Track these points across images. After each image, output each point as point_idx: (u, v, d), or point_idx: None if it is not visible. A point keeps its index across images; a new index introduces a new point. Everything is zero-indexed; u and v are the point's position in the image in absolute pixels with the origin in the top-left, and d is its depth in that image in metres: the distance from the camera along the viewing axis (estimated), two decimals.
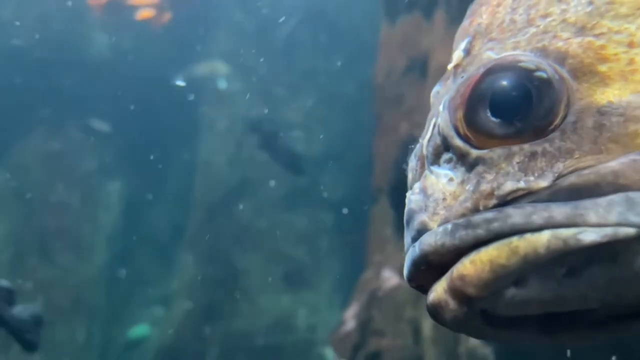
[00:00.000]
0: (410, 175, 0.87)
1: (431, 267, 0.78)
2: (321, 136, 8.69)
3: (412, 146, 0.90)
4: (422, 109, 4.27)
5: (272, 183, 8.44)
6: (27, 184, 8.12)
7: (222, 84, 8.33)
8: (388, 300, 4.11)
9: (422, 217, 0.79)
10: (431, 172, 0.82)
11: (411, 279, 0.81)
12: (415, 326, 3.95)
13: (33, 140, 8.30)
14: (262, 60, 8.51)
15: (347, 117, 8.91)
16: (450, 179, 0.79)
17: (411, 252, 0.80)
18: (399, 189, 3.53)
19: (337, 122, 8.87)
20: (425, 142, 0.84)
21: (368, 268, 4.58)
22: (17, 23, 8.12)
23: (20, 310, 3.18)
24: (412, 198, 0.82)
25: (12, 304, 3.19)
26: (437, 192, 0.79)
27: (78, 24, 8.68)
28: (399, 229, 3.91)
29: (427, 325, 3.86)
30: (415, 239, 0.79)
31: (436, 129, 0.82)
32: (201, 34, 9.12)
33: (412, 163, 0.88)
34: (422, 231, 0.79)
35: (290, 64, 8.85)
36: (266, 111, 8.37)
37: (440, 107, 0.82)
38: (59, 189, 8.10)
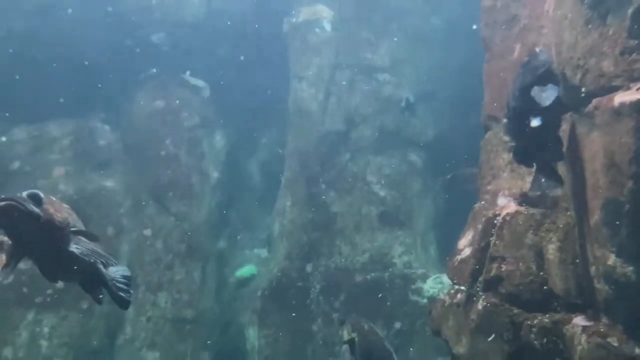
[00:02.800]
0: None
1: None
2: (410, 77, 8.42)
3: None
4: (538, 29, 3.95)
5: (363, 126, 8.35)
6: (139, 140, 8.55)
7: (327, 26, 8.18)
8: (507, 226, 3.98)
9: None
10: None
11: None
12: (537, 251, 3.82)
13: (140, 100, 8.67)
14: (348, 2, 8.27)
15: (435, 55, 8.55)
16: None
17: None
18: (520, 112, 3.33)
19: (425, 61, 8.54)
20: None
21: (481, 197, 4.45)
22: None
23: (114, 272, 3.41)
24: None
25: (107, 266, 3.41)
26: None
27: None
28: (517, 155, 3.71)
29: (552, 248, 3.71)
30: None
31: None
32: None
33: None
34: None
35: (376, 3, 8.51)
36: (355, 56, 8.20)
37: None
38: (168, 143, 8.46)
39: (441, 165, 8.47)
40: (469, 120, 8.23)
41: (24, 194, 3.02)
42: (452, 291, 4.25)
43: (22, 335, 7.17)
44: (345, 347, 5.35)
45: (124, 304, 3.39)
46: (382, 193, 8.29)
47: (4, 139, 7.89)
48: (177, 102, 8.62)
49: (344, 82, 8.45)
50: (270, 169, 9.33)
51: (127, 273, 3.50)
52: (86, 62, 8.03)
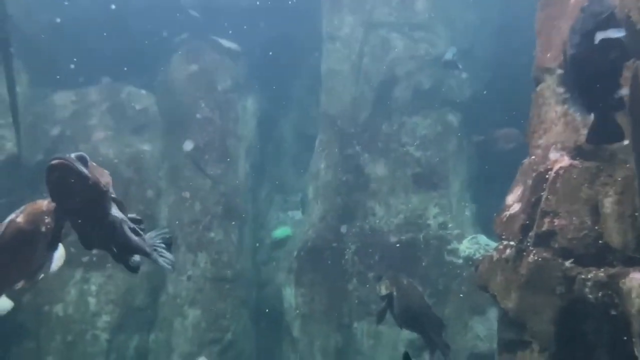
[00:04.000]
0: None
1: None
2: (446, 34, 8.13)
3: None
4: None
5: (398, 86, 8.14)
6: (174, 104, 8.54)
7: None
8: (560, 181, 3.83)
9: None
10: None
11: None
12: (592, 205, 3.68)
13: (175, 64, 8.62)
14: None
15: (472, 12, 8.21)
16: None
17: None
18: (580, 60, 3.11)
19: (461, 18, 8.21)
20: None
21: (531, 152, 4.29)
22: None
23: (154, 236, 3.31)
24: None
25: (144, 231, 3.31)
26: None
27: None
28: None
29: (609, 202, 3.57)
30: None
31: None
32: None
33: None
34: None
35: None
36: (390, 13, 7.93)
37: None
38: (203, 107, 8.43)
39: (477, 125, 8.25)
40: (507, 79, 7.96)
41: (72, 155, 2.95)
42: (501, 247, 4.15)
43: (71, 293, 7.40)
44: (384, 302, 5.34)
45: (167, 268, 3.32)
46: (417, 154, 8.13)
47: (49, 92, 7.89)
48: (211, 65, 8.53)
49: (378, 41, 8.22)
50: (303, 131, 9.25)
51: (168, 235, 3.41)
52: (122, 28, 7.97)
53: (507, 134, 7.95)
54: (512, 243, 4.03)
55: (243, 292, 8.29)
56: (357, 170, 8.28)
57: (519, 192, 4.19)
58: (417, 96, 8.18)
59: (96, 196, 2.97)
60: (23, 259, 3.12)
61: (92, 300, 7.41)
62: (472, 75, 8.28)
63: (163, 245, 3.38)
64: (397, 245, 7.93)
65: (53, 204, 3.03)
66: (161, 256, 3.34)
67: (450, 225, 7.89)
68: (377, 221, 8.10)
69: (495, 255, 4.14)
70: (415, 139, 8.15)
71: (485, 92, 8.16)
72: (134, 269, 3.32)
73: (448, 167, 8.11)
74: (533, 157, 4.23)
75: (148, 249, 3.25)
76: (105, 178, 3.04)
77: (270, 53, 8.72)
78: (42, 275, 3.37)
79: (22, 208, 3.21)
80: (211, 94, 8.49)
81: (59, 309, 7.33)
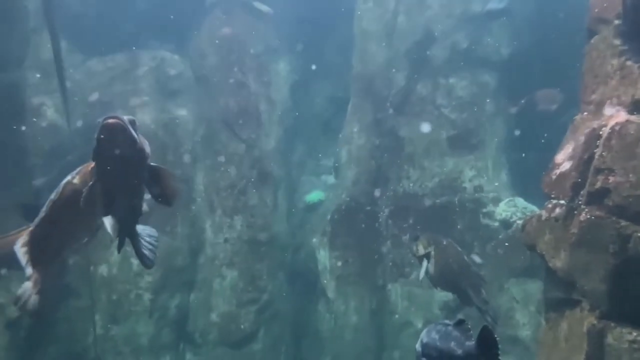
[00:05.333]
0: None
1: None
2: None
3: None
4: None
5: (434, 46, 7.88)
6: (208, 68, 8.48)
7: None
8: (616, 137, 3.66)
9: None
10: None
11: None
12: None
13: (207, 28, 8.51)
14: None
15: None
16: None
17: None
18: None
19: None
20: None
21: (583, 108, 4.10)
22: None
23: (142, 229, 3.26)
24: None
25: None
26: None
27: None
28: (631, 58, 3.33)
29: None
30: None
31: None
32: None
33: None
34: None
35: None
36: None
37: None
38: (236, 71, 8.35)
39: (515, 86, 7.96)
40: (548, 38, 7.60)
41: (124, 117, 2.87)
42: (550, 205, 4.03)
43: (114, 254, 7.57)
44: (424, 261, 5.28)
45: (148, 263, 3.29)
46: (452, 116, 7.92)
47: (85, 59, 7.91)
48: (243, 28, 8.39)
49: (413, 0, 7.92)
50: (335, 94, 9.10)
51: (155, 234, 3.36)
52: None
53: (548, 95, 7.65)
54: (562, 202, 3.91)
55: (278, 254, 8.38)
56: (390, 133, 8.14)
57: (569, 150, 4.03)
58: (453, 56, 7.90)
59: (138, 162, 2.94)
60: (83, 217, 3.17)
61: (134, 261, 7.57)
62: (511, 33, 7.94)
63: (149, 240, 3.32)
64: (432, 208, 7.83)
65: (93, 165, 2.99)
66: (148, 249, 3.27)
67: (486, 188, 7.73)
68: (411, 185, 8.00)
69: (544, 214, 4.02)
70: (451, 100, 7.92)
71: (525, 51, 7.82)
72: (149, 264, 3.28)
73: (485, 129, 7.89)
74: (585, 113, 4.04)
75: (139, 236, 3.21)
76: (147, 147, 3.01)
77: (302, 15, 8.51)
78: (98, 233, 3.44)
79: (77, 169, 3.25)
80: (244, 58, 8.38)
81: (103, 269, 7.54)
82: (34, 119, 7.28)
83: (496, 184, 7.82)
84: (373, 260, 7.99)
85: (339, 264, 8.05)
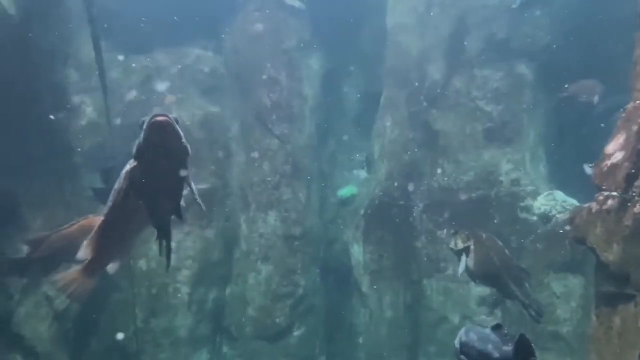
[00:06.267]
0: None
1: None
2: None
3: None
4: None
5: (469, 37, 7.71)
6: (241, 65, 8.50)
7: None
8: None
9: None
10: None
11: None
12: None
13: (240, 24, 8.53)
14: None
15: None
16: None
17: None
18: None
19: None
20: None
21: (635, 96, 3.94)
22: None
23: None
24: None
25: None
26: None
27: None
28: None
29: None
30: None
31: None
32: None
33: None
34: None
35: None
36: None
37: None
38: (269, 67, 8.35)
39: (553, 77, 7.73)
40: (587, 27, 7.35)
41: (171, 116, 2.90)
42: (601, 197, 3.89)
43: (153, 249, 7.68)
44: (463, 255, 5.17)
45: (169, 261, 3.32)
46: (488, 108, 7.75)
47: (121, 58, 8.04)
48: (275, 24, 8.38)
49: None
50: (367, 89, 9.02)
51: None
52: None
53: (588, 86, 7.40)
54: (614, 193, 3.76)
55: (312, 248, 8.36)
56: (424, 126, 8.02)
57: (621, 140, 3.87)
58: (488, 47, 7.73)
59: (183, 159, 2.96)
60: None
61: (172, 256, 7.66)
62: (548, 24, 7.72)
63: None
64: (468, 202, 7.69)
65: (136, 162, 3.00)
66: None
67: (523, 182, 7.55)
68: (446, 179, 7.87)
69: (595, 207, 3.88)
70: (487, 93, 7.75)
71: (566, 40, 7.58)
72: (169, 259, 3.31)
73: (521, 121, 7.70)
74: (638, 101, 3.87)
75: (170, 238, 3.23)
76: (189, 145, 3.03)
77: (333, 9, 8.45)
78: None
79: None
80: (276, 53, 8.37)
81: (142, 263, 7.66)
82: (76, 118, 7.44)
83: (534, 177, 7.63)
84: (407, 255, 7.90)
85: (373, 258, 7.99)
